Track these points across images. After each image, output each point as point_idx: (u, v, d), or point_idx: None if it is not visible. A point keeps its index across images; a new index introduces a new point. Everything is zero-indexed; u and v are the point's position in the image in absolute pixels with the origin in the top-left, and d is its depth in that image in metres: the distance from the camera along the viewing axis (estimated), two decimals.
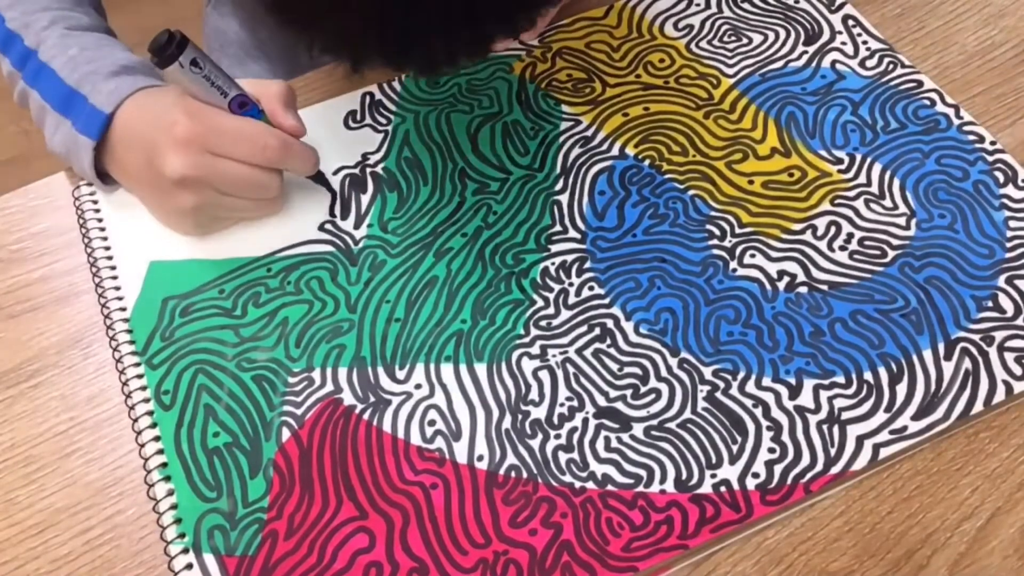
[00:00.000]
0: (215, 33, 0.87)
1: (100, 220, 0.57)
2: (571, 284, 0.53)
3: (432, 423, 0.48)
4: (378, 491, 0.46)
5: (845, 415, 0.48)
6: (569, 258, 0.55)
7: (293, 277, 0.54)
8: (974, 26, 0.66)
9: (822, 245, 0.55)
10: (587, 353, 0.51)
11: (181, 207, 0.53)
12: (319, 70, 0.66)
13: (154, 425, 0.48)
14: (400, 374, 0.50)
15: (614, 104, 0.62)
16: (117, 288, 0.54)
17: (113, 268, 0.55)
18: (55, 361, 0.52)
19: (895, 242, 0.54)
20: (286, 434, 0.48)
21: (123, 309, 0.53)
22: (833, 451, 0.47)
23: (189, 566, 0.44)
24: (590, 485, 0.46)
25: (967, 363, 0.49)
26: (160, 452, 0.47)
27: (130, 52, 0.59)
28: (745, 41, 0.65)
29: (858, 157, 0.59)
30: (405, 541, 0.44)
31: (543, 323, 0.52)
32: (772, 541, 0.46)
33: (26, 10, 0.58)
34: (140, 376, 0.50)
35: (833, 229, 0.55)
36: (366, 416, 0.49)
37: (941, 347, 0.50)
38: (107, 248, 0.56)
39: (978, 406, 0.48)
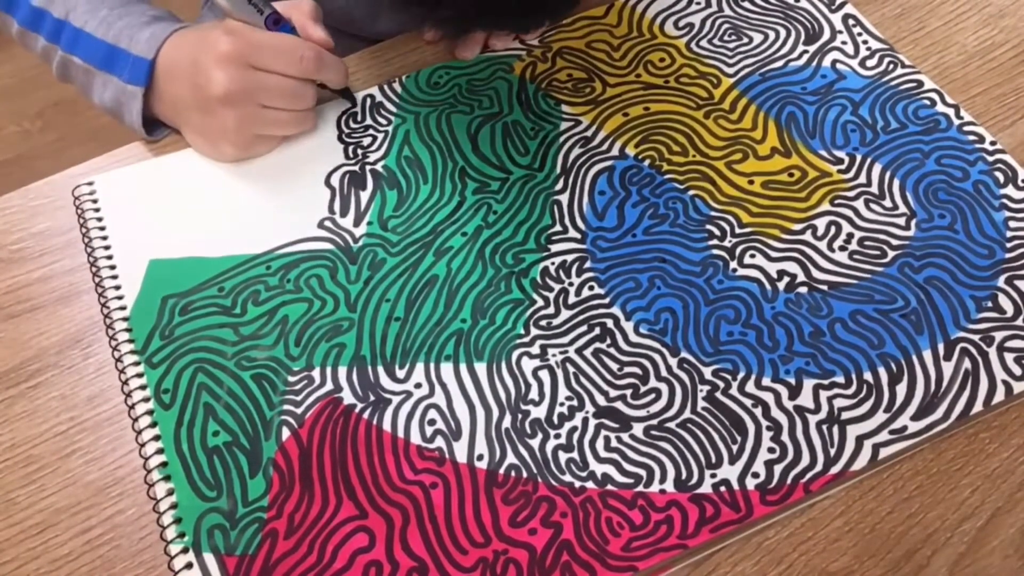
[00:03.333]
0: None
1: (100, 219, 0.57)
2: (571, 284, 0.53)
3: (432, 422, 0.48)
4: (378, 490, 0.46)
5: (845, 415, 0.48)
6: (569, 258, 0.55)
7: (292, 275, 0.54)
8: (974, 26, 0.66)
9: (822, 245, 0.55)
10: (587, 353, 0.51)
11: (224, 124, 0.56)
12: (399, 37, 0.67)
13: (154, 424, 0.48)
14: (400, 373, 0.50)
15: (614, 104, 0.62)
16: (117, 287, 0.54)
17: (113, 267, 0.55)
18: (55, 361, 0.52)
19: (895, 242, 0.54)
20: (286, 433, 0.48)
21: (123, 308, 0.53)
22: (833, 451, 0.47)
23: (189, 565, 0.44)
24: (590, 485, 0.46)
25: (967, 363, 0.49)
26: (160, 451, 0.47)
27: (156, 7, 0.62)
28: (745, 40, 0.65)
29: (858, 157, 0.58)
30: (405, 540, 0.44)
31: (543, 323, 0.52)
32: (772, 541, 0.46)
33: None
34: (140, 375, 0.50)
35: (833, 229, 0.55)
36: (366, 415, 0.49)
37: (941, 347, 0.50)
38: (107, 247, 0.56)
39: (978, 406, 0.48)
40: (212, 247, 0.55)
